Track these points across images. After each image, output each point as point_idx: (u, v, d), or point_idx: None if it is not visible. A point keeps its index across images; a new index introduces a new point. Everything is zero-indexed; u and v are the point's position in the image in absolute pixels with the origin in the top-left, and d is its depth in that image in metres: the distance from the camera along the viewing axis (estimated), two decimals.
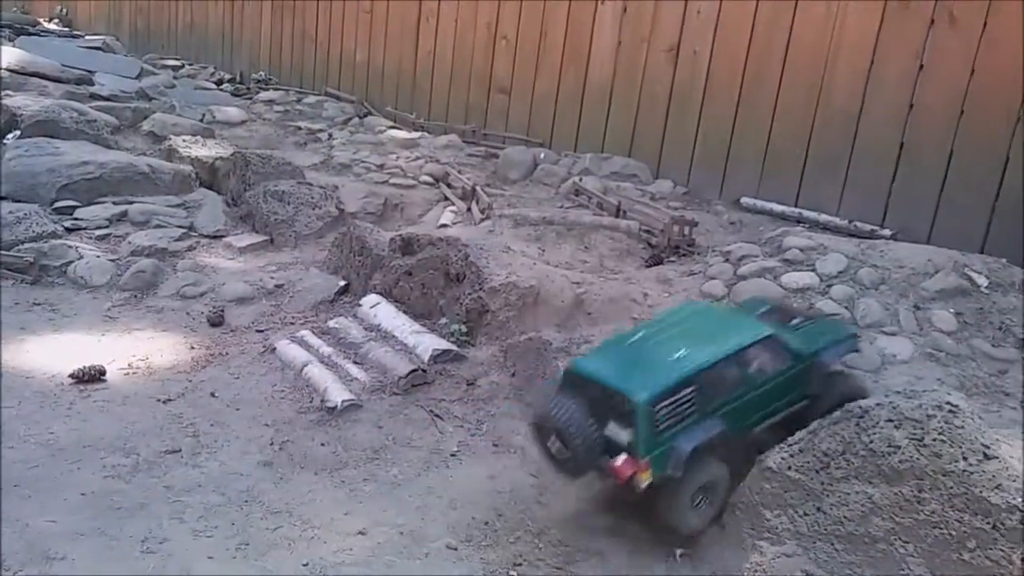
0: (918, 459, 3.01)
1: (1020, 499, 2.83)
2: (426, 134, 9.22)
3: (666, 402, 3.31)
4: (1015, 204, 5.64)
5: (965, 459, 2.95)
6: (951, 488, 2.94)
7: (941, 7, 5.89)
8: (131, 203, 6.62)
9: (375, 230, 6.02)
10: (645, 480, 3.29)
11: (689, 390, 3.37)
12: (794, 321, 4.00)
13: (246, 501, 3.62)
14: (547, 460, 3.57)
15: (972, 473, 2.92)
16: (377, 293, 5.36)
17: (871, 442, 3.14)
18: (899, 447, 3.06)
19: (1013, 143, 5.66)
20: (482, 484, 3.88)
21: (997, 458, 2.93)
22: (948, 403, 3.11)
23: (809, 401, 3.72)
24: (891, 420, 3.13)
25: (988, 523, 2.86)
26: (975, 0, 5.71)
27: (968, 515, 2.90)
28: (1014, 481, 2.87)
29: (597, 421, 3.39)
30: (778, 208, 6.75)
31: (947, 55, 5.90)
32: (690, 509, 3.45)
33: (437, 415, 4.35)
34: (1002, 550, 2.83)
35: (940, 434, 3.01)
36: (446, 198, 7.40)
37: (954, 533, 2.92)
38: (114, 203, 6.59)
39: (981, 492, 2.88)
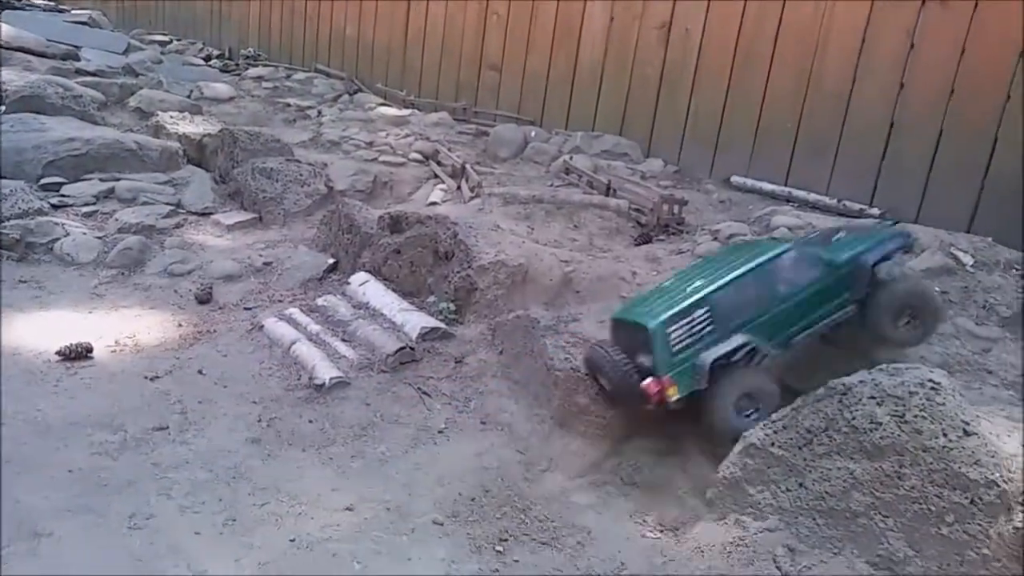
0: (899, 435, 3.05)
1: (998, 474, 2.87)
2: (416, 111, 9.16)
3: (678, 324, 3.73)
4: (1002, 184, 5.66)
5: (945, 435, 2.98)
6: (931, 464, 2.98)
7: None
8: (118, 180, 6.56)
9: (364, 208, 6.00)
10: (673, 395, 3.72)
11: (702, 311, 3.74)
12: (836, 236, 4.17)
13: (233, 478, 3.64)
14: (601, 394, 4.07)
15: (952, 449, 2.95)
16: (366, 271, 5.36)
17: (853, 419, 3.17)
18: (881, 423, 3.10)
19: (1002, 123, 5.66)
20: (469, 461, 3.90)
21: (976, 435, 2.97)
22: (930, 380, 3.14)
23: (859, 305, 3.93)
24: (873, 397, 3.16)
25: (966, 498, 2.91)
26: None
27: (947, 490, 2.94)
28: (992, 457, 2.91)
29: (630, 355, 3.84)
30: (768, 187, 6.75)
31: (938, 35, 5.88)
32: (736, 417, 3.73)
33: (425, 392, 4.37)
34: (980, 524, 2.88)
35: (921, 411, 3.05)
36: (436, 176, 7.37)
37: (933, 508, 2.96)
38: (101, 180, 6.54)
39: (960, 468, 2.92)
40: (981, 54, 5.71)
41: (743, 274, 3.81)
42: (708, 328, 3.74)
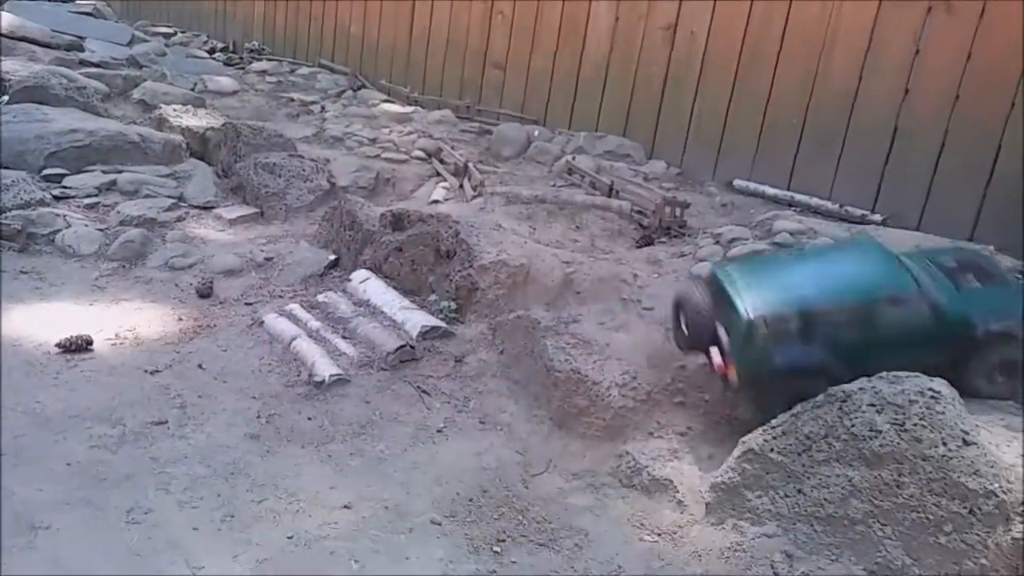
0: (898, 443, 3.05)
1: (997, 485, 2.87)
2: (420, 108, 9.15)
3: (768, 323, 3.68)
4: (1007, 192, 5.65)
5: (945, 444, 2.98)
6: (930, 473, 2.98)
7: None
8: (120, 172, 6.56)
9: (366, 205, 5.99)
10: (733, 378, 3.77)
11: (797, 321, 3.68)
12: (969, 282, 3.95)
13: (232, 473, 3.64)
14: (673, 333, 4.19)
15: (951, 458, 2.95)
16: (367, 268, 5.35)
17: (853, 426, 3.17)
18: (880, 431, 3.10)
19: (1007, 130, 5.66)
20: (468, 461, 3.90)
21: (976, 444, 2.97)
22: (930, 389, 3.14)
23: (953, 362, 3.67)
24: (873, 405, 3.16)
25: (965, 508, 2.91)
26: None
27: (946, 499, 2.94)
28: (991, 467, 2.91)
29: (716, 316, 3.87)
30: (771, 191, 6.74)
31: (944, 41, 5.87)
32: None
33: (424, 391, 4.37)
34: (978, 534, 2.88)
35: (921, 419, 3.05)
36: (438, 174, 7.36)
37: (931, 517, 2.96)
38: (103, 172, 6.53)
39: (959, 477, 2.92)
40: (987, 61, 5.70)
41: (853, 301, 3.68)
42: (794, 335, 3.69)
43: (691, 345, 4.07)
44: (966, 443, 2.98)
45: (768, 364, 3.67)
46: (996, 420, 3.40)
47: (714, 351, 3.82)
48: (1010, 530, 2.83)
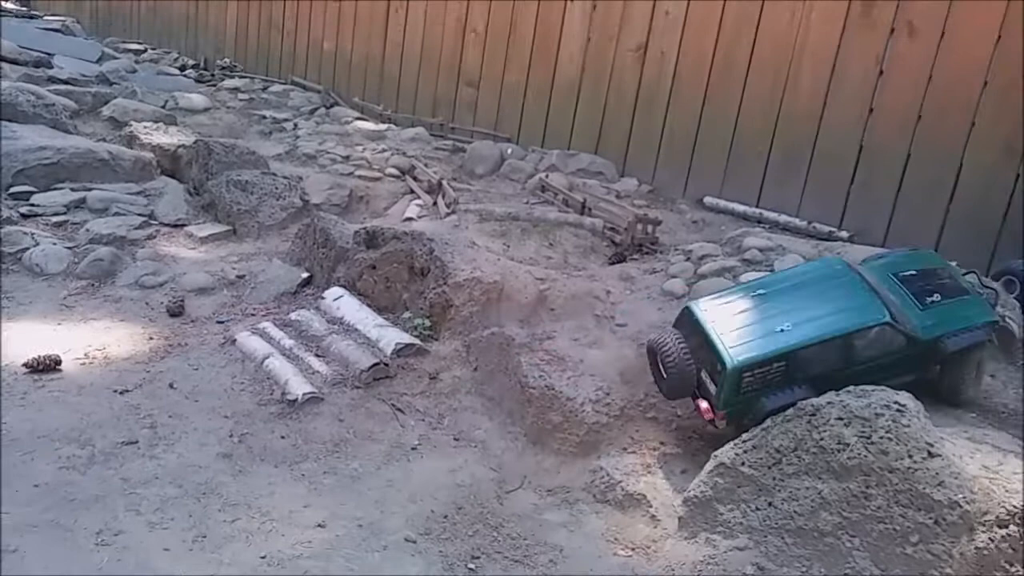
0: (866, 456, 3.11)
1: (961, 495, 2.93)
2: (393, 126, 9.18)
3: (754, 371, 3.68)
4: (968, 209, 5.81)
5: (910, 456, 3.04)
6: (896, 484, 3.04)
7: (901, 17, 6.03)
8: (89, 190, 6.49)
9: (339, 222, 5.99)
10: (722, 426, 3.83)
11: (780, 364, 3.69)
12: (932, 298, 3.97)
13: (204, 493, 3.60)
14: (654, 378, 4.14)
15: (916, 470, 3.01)
16: (340, 286, 5.35)
17: (822, 439, 3.23)
18: (848, 444, 3.15)
19: (967, 149, 5.82)
20: (442, 478, 3.90)
21: (940, 456, 3.03)
22: (896, 402, 3.21)
23: (917, 377, 3.86)
24: (841, 418, 3.22)
25: (931, 518, 2.96)
26: (934, 11, 5.86)
27: (912, 511, 3.00)
28: (955, 478, 2.97)
29: (697, 361, 3.87)
30: (740, 208, 6.86)
31: (906, 62, 6.04)
32: None
33: (399, 409, 4.36)
34: (943, 544, 2.93)
35: (887, 432, 3.11)
36: (412, 191, 7.38)
37: (898, 528, 3.01)
38: (72, 189, 6.46)
39: (924, 489, 2.98)
40: (947, 81, 5.87)
41: (832, 337, 3.70)
42: (779, 377, 3.71)
43: (674, 395, 4.06)
44: (931, 455, 3.04)
45: (756, 410, 3.71)
46: (960, 432, 3.48)
47: (701, 402, 3.82)
48: (974, 540, 2.89)
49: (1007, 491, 2.95)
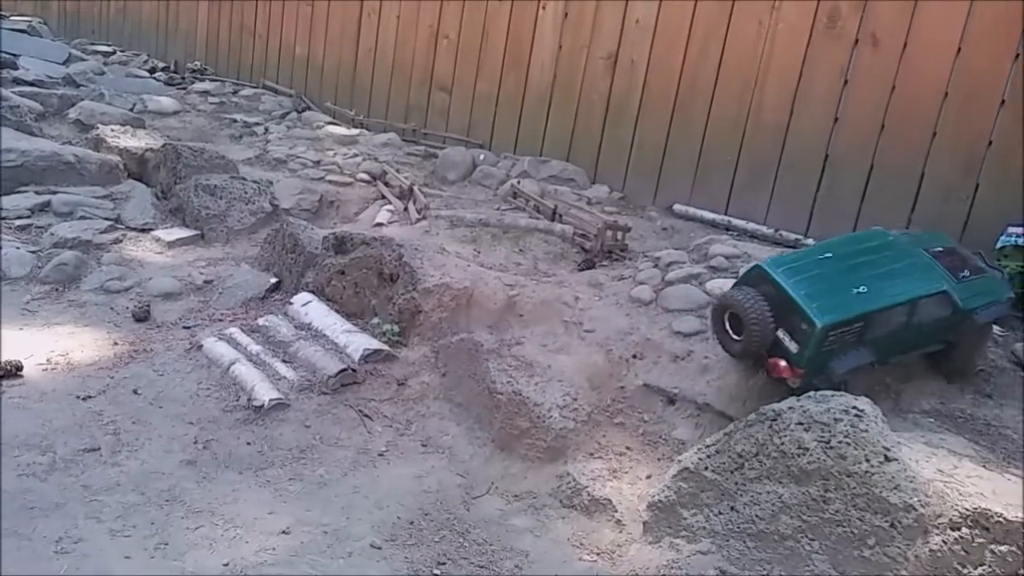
0: (825, 460, 3.16)
1: (916, 499, 2.99)
2: (365, 131, 9.16)
3: (838, 331, 3.80)
4: (929, 220, 5.92)
5: (868, 461, 3.10)
6: (854, 488, 3.09)
7: (865, 29, 6.14)
8: (55, 193, 6.41)
9: (309, 227, 5.97)
10: (794, 384, 3.88)
11: (859, 324, 3.82)
12: (963, 273, 4.21)
13: (167, 500, 3.57)
14: (719, 338, 4.16)
15: (873, 474, 3.07)
16: (309, 291, 5.33)
17: (782, 444, 3.27)
18: (808, 449, 3.20)
19: (928, 160, 5.94)
20: (409, 484, 3.90)
21: (897, 460, 3.09)
22: (854, 407, 3.26)
23: (946, 346, 4.15)
24: (801, 423, 3.27)
25: (887, 521, 3.02)
26: (896, 23, 5.98)
27: (869, 514, 3.05)
28: (911, 482, 3.03)
29: (774, 319, 3.90)
30: (709, 215, 6.93)
31: (870, 74, 6.15)
32: None
33: (366, 415, 4.36)
34: (899, 547, 2.99)
35: (846, 437, 3.16)
36: (383, 197, 7.37)
37: (856, 531, 3.06)
38: (36, 193, 6.37)
39: (881, 492, 3.04)
40: (910, 92, 5.99)
41: (905, 301, 3.92)
42: (853, 338, 3.85)
43: (748, 353, 4.08)
44: (888, 459, 3.10)
45: (832, 370, 3.85)
46: (917, 437, 3.55)
47: (780, 361, 3.90)
48: (928, 542, 2.95)
49: (961, 494, 3.00)
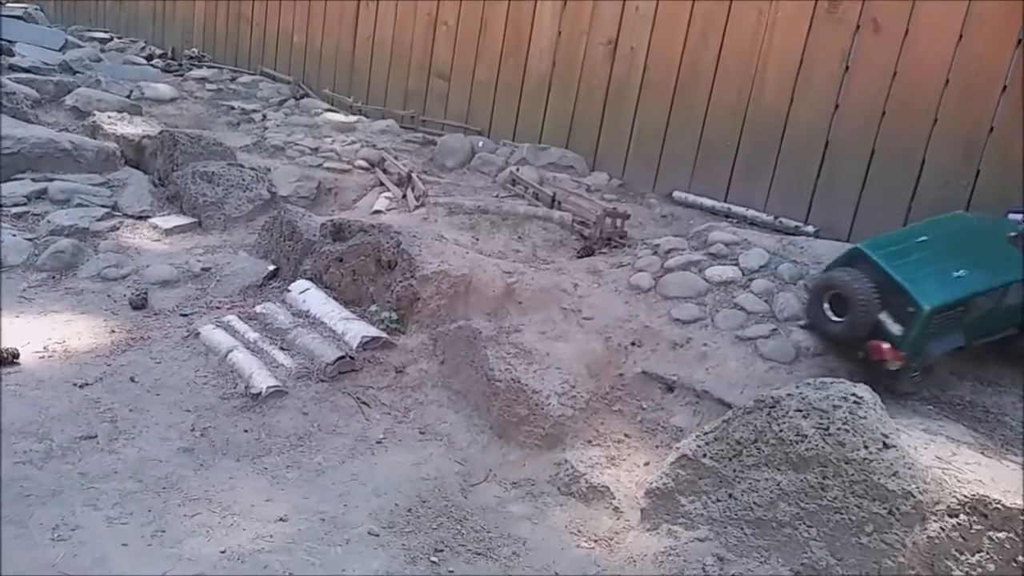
0: (823, 447, 3.15)
1: (914, 486, 2.99)
2: (363, 118, 9.12)
3: (941, 314, 3.88)
4: (929, 207, 5.88)
5: (866, 447, 3.09)
6: (852, 475, 3.09)
7: (866, 14, 6.10)
8: (51, 180, 6.37)
9: (307, 214, 5.94)
10: (894, 367, 3.96)
11: (960, 308, 3.90)
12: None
13: (164, 488, 3.56)
14: (814, 320, 4.19)
15: (872, 461, 3.06)
16: (307, 279, 5.31)
17: (781, 431, 3.27)
18: (806, 436, 3.20)
19: (929, 147, 5.91)
20: (407, 471, 3.90)
21: (895, 447, 3.08)
22: (853, 394, 3.25)
23: (1013, 332, 4.22)
24: (800, 410, 3.26)
25: (885, 508, 3.02)
26: (898, 9, 5.94)
27: (867, 501, 3.05)
28: (909, 469, 3.03)
29: (880, 302, 3.96)
30: (708, 203, 6.90)
31: (871, 59, 6.11)
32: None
33: (364, 402, 4.35)
34: (896, 534, 2.99)
35: (844, 424, 3.16)
36: (381, 184, 7.34)
37: (854, 518, 3.06)
38: (33, 180, 6.34)
39: (879, 479, 3.04)
40: (911, 78, 5.95)
41: (999, 286, 4.00)
42: (951, 322, 3.91)
43: (849, 335, 4.09)
44: (886, 446, 3.09)
45: (928, 352, 3.94)
46: (915, 424, 3.55)
47: (883, 344, 3.94)
48: (926, 529, 2.95)
49: (959, 481, 3.01)
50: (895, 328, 3.92)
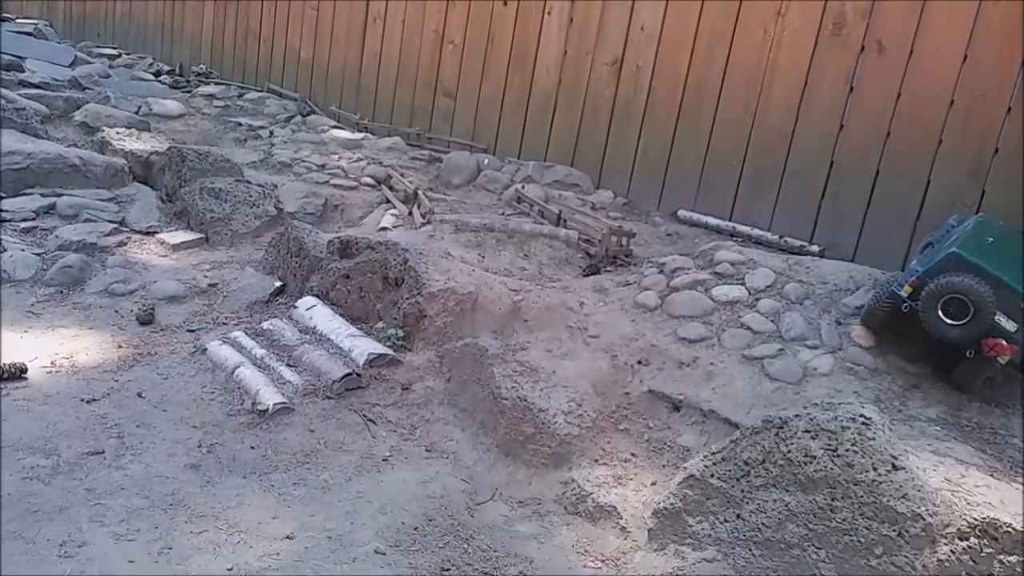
0: (832, 469, 3.14)
1: (924, 508, 2.97)
2: (370, 135, 9.17)
3: None
4: (935, 227, 5.90)
5: (875, 469, 3.08)
6: (861, 497, 3.07)
7: (871, 36, 6.14)
8: (60, 196, 6.41)
9: (313, 231, 5.97)
10: (1004, 360, 4.18)
11: None
12: None
13: (171, 505, 3.56)
14: (931, 325, 4.26)
15: (881, 483, 3.05)
16: (314, 295, 5.32)
17: (789, 452, 3.26)
18: (815, 457, 3.19)
19: (934, 167, 5.93)
20: (413, 489, 3.89)
21: (904, 469, 3.07)
22: (862, 415, 3.25)
23: None
24: (808, 431, 3.25)
25: (894, 530, 3.00)
26: (902, 30, 5.98)
27: (876, 523, 3.04)
28: (919, 491, 3.01)
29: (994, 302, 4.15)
30: (713, 221, 6.93)
31: (875, 80, 6.15)
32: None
33: (370, 419, 4.35)
34: (906, 556, 2.97)
35: (853, 445, 3.15)
36: (387, 201, 7.37)
37: (863, 540, 3.05)
38: (42, 195, 6.38)
39: (889, 501, 3.02)
40: (915, 100, 5.99)
41: None
42: None
43: (969, 336, 4.21)
44: (895, 468, 3.08)
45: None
46: (924, 445, 3.54)
47: (999, 340, 4.14)
48: (936, 552, 2.94)
49: (969, 504, 2.99)
50: (1009, 325, 4.15)
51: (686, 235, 6.81)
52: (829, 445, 3.18)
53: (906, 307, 4.34)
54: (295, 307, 5.25)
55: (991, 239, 4.52)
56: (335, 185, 7.53)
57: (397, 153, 8.60)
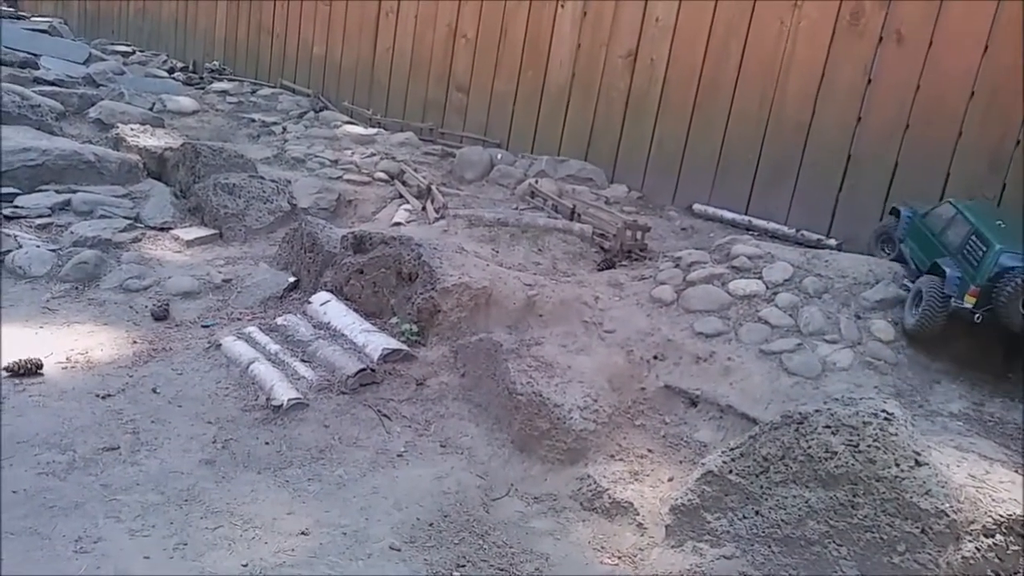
0: (853, 465, 3.09)
1: (947, 505, 2.92)
2: (383, 130, 9.15)
3: None
4: None
5: (897, 465, 3.03)
6: (883, 493, 3.02)
7: (889, 26, 6.06)
8: (75, 192, 6.43)
9: (327, 226, 5.95)
10: None
11: None
12: None
13: (186, 500, 3.56)
14: (1011, 320, 4.29)
15: (903, 479, 3.00)
16: (327, 291, 5.31)
17: (809, 447, 3.21)
18: (835, 453, 3.14)
19: (954, 159, 5.84)
20: (428, 485, 3.87)
21: (927, 465, 3.02)
22: (883, 411, 3.19)
23: None
24: (829, 426, 3.20)
25: (917, 527, 2.95)
26: (922, 20, 5.89)
27: (899, 519, 2.99)
28: (942, 487, 2.96)
29: None
30: (729, 215, 6.86)
31: (894, 71, 6.07)
32: None
33: (385, 415, 4.33)
34: (929, 554, 2.93)
35: (875, 441, 3.10)
36: (401, 196, 7.35)
37: (885, 537, 3.00)
38: (57, 191, 6.40)
39: (911, 497, 2.97)
40: (934, 90, 5.91)
41: None
42: None
43: None
44: (918, 464, 3.03)
45: None
46: (947, 441, 3.48)
47: None
48: (960, 549, 2.88)
49: (994, 500, 2.94)
50: None
51: (701, 229, 6.75)
52: (850, 441, 3.13)
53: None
54: (309, 302, 5.24)
55: (1001, 223, 4.55)
56: (348, 180, 7.52)
57: (410, 148, 8.58)
